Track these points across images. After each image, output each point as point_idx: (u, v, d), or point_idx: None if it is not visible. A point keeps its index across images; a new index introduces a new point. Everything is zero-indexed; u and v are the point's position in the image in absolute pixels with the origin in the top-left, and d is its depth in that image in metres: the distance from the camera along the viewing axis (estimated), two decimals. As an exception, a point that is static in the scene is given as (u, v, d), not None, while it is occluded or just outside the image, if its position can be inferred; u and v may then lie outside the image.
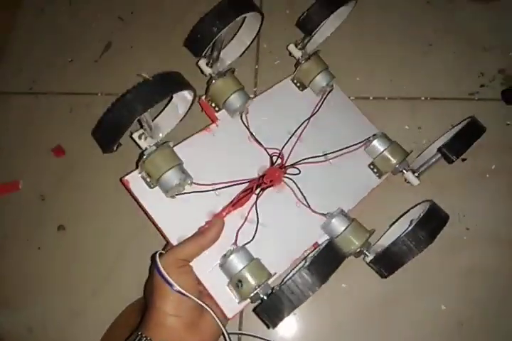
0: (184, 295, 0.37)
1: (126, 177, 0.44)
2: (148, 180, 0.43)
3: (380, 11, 0.68)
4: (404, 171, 0.54)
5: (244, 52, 0.56)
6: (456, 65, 0.65)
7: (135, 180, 0.44)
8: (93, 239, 0.56)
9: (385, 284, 0.49)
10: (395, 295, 0.53)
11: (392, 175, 0.55)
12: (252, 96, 0.54)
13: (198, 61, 0.51)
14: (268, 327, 0.38)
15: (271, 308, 0.36)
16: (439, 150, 0.50)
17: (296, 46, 0.56)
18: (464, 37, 0.66)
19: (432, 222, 0.43)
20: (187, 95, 0.45)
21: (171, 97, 0.46)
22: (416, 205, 0.50)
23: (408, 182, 0.54)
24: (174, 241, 0.43)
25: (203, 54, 0.47)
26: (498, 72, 0.64)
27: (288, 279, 0.37)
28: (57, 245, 0.57)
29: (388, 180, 0.55)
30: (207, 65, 0.51)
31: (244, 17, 0.48)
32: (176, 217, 0.44)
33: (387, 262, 0.43)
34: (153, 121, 0.46)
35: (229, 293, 0.42)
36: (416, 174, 0.54)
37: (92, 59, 0.66)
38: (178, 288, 0.37)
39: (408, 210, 0.51)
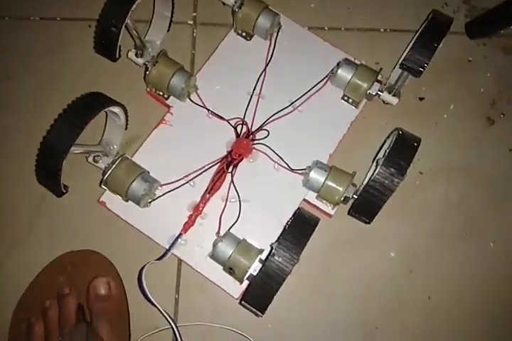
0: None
1: (102, 199, 0.47)
2: (118, 196, 0.45)
3: None
4: (379, 93, 0.49)
5: (169, 26, 0.53)
6: None
7: (110, 198, 0.47)
8: (7, 190, 0.51)
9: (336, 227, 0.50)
10: (345, 244, 0.51)
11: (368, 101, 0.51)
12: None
13: (127, 55, 0.50)
14: (257, 315, 0.39)
15: (257, 295, 0.38)
16: (401, 66, 0.44)
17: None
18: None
19: (402, 152, 0.40)
20: (113, 109, 0.44)
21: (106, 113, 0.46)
22: (389, 135, 0.46)
23: (387, 104, 0.50)
24: (165, 245, 0.46)
25: (117, 55, 0.46)
26: (463, 3, 0.58)
27: (266, 261, 0.38)
28: None
29: (363, 113, 0.52)
30: (136, 55, 0.50)
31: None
32: (159, 221, 0.47)
33: (365, 209, 0.41)
34: (100, 142, 0.47)
35: (228, 276, 0.44)
36: (392, 94, 0.49)
37: None
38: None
39: (384, 141, 0.47)
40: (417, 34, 0.45)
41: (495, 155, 0.53)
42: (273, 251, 0.37)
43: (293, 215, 0.40)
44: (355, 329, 0.49)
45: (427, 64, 0.43)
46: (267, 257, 0.37)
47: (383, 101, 0.50)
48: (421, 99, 0.55)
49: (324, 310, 0.49)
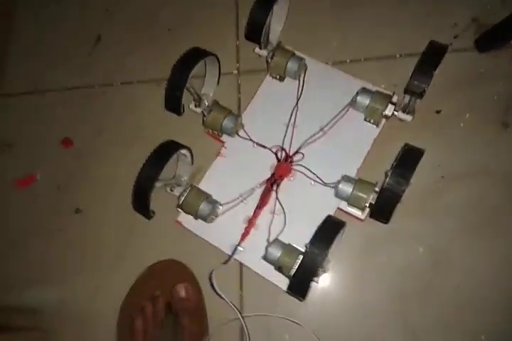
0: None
1: (178, 219, 0.60)
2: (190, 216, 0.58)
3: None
4: (395, 113, 0.58)
5: (218, 80, 0.66)
6: (429, 19, 0.65)
7: (184, 218, 0.60)
8: (107, 217, 0.65)
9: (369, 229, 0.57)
10: (378, 243, 0.58)
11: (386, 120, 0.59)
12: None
13: (189, 106, 0.63)
14: (300, 300, 0.49)
15: (297, 284, 0.48)
16: (405, 91, 0.53)
17: (261, 48, 0.64)
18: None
19: (405, 164, 0.48)
20: (182, 151, 0.58)
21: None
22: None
23: (403, 121, 0.58)
24: (228, 252, 0.57)
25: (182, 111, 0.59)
26: (472, 21, 0.64)
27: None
28: (76, 226, 0.66)
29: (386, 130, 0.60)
30: (195, 106, 0.63)
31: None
32: (222, 234, 0.58)
33: (381, 212, 0.50)
34: (174, 176, 0.61)
35: (279, 273, 0.54)
36: (406, 112, 0.57)
37: (85, 53, 0.74)
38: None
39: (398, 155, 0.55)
40: (416, 63, 0.54)
41: (511, 155, 0.58)
42: (306, 249, 0.47)
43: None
44: (391, 317, 0.56)
45: (427, 88, 0.51)
46: (303, 254, 0.47)
47: (400, 119, 0.59)
48: (438, 111, 0.62)
49: (362, 300, 0.57)
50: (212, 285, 0.54)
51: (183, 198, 0.57)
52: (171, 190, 0.59)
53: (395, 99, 0.58)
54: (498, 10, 0.63)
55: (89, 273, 0.64)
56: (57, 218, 0.68)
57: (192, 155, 0.60)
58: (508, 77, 0.61)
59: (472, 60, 0.63)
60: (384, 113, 0.57)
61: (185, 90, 0.57)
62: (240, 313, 0.54)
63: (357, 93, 0.59)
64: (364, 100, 0.58)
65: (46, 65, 0.77)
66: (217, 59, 0.61)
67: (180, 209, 0.58)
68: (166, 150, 0.53)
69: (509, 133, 0.59)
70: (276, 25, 0.66)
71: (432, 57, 0.53)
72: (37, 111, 0.74)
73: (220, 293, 0.53)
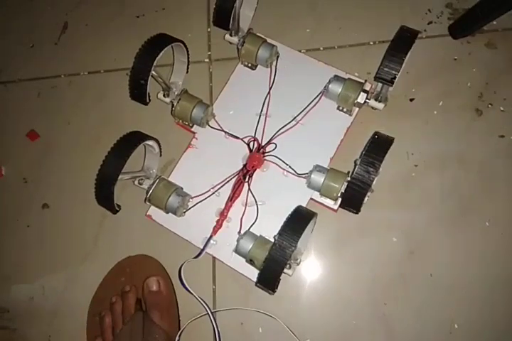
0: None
1: (148, 213, 0.58)
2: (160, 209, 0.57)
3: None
4: (367, 101, 0.57)
5: (188, 68, 0.64)
6: (404, 5, 0.64)
7: (154, 212, 0.58)
8: (75, 212, 0.63)
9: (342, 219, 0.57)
10: (352, 233, 0.58)
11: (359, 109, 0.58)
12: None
13: (157, 96, 0.61)
14: (270, 293, 0.48)
15: (266, 277, 0.47)
16: (375, 78, 0.51)
17: (231, 35, 0.62)
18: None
19: (375, 152, 0.47)
20: (148, 142, 0.56)
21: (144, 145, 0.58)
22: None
23: (376, 109, 0.57)
24: (200, 245, 0.56)
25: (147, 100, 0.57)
26: (446, 7, 0.63)
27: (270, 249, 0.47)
28: (43, 221, 0.64)
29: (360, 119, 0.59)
30: (164, 96, 0.61)
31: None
32: (193, 227, 0.57)
33: (351, 202, 0.49)
34: (142, 168, 0.59)
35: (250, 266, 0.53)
36: (378, 100, 0.56)
37: (52, 42, 0.72)
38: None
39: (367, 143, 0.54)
40: (386, 49, 0.52)
41: (485, 142, 0.58)
42: (275, 241, 0.46)
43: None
44: (365, 306, 0.56)
45: (397, 75, 0.50)
46: (271, 246, 0.46)
47: (372, 108, 0.58)
48: (411, 99, 0.61)
49: (337, 291, 0.56)
50: (180, 279, 0.53)
51: (151, 191, 0.55)
52: (140, 184, 0.57)
53: (367, 86, 0.57)
54: (472, -5, 0.62)
55: (58, 270, 0.63)
56: (25, 213, 0.66)
57: (160, 147, 0.59)
58: (481, 64, 0.61)
59: (446, 47, 0.62)
60: (356, 101, 0.56)
61: (152, 79, 0.55)
62: (209, 308, 0.53)
63: (329, 81, 0.57)
64: (336, 88, 0.56)
65: (10, 54, 0.73)
66: (185, 45, 0.59)
67: (149, 203, 0.56)
68: (130, 142, 0.51)
69: (482, 120, 0.59)
70: (247, 11, 0.64)
71: (402, 43, 0.51)
72: (0, 103, 0.72)
73: (188, 287, 0.53)
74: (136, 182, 0.58)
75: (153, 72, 0.54)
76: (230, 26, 0.59)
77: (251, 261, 0.51)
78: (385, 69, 0.51)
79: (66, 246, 0.63)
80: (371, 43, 0.64)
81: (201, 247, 0.56)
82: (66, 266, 0.63)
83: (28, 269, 0.64)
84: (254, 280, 0.52)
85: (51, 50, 0.72)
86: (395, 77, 0.51)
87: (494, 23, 0.61)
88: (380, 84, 0.55)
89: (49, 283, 0.62)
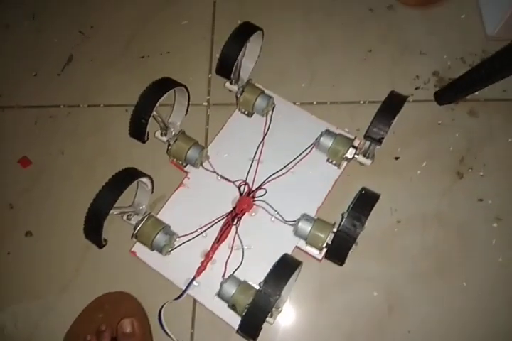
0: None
1: (133, 249, 0.58)
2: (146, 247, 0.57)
3: (325, 18, 0.73)
4: (355, 156, 0.59)
5: (187, 110, 0.66)
6: (394, 70, 0.69)
7: (139, 248, 0.58)
8: (58, 242, 0.63)
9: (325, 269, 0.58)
10: (333, 284, 0.59)
11: (348, 163, 0.61)
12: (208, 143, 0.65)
13: (154, 134, 0.63)
14: None
15: (248, 325, 0.47)
16: (365, 137, 0.54)
17: (231, 83, 0.65)
18: (402, 42, 0.71)
19: (362, 207, 0.49)
20: (142, 179, 0.57)
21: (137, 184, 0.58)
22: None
23: (363, 165, 0.60)
24: (182, 286, 0.56)
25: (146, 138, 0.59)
26: (433, 75, 0.68)
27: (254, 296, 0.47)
28: (25, 249, 0.63)
29: (347, 172, 0.62)
30: (161, 135, 0.63)
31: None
32: (177, 267, 0.57)
33: (336, 254, 0.50)
34: (132, 204, 0.60)
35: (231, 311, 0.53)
36: (366, 156, 0.59)
37: (54, 72, 0.74)
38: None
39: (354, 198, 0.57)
40: (377, 111, 0.56)
41: (464, 205, 0.61)
42: (260, 288, 0.46)
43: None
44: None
45: (385, 135, 0.53)
46: (256, 293, 0.47)
47: (360, 163, 0.60)
48: (396, 158, 0.64)
49: (315, 339, 0.56)
50: (160, 322, 0.52)
51: (138, 227, 0.56)
52: (128, 219, 0.58)
53: (356, 142, 0.60)
54: (458, 66, 0.68)
55: (33, 300, 0.61)
56: (7, 240, 0.65)
57: (153, 184, 0.59)
58: (463, 130, 0.65)
59: (431, 112, 0.66)
60: (345, 155, 0.59)
61: (152, 118, 0.56)
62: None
63: (321, 134, 0.60)
64: (327, 141, 0.59)
65: (13, 79, 0.75)
66: (187, 90, 0.61)
67: (135, 239, 0.56)
68: (125, 178, 0.52)
69: (463, 183, 0.62)
70: (248, 63, 0.67)
71: (391, 106, 0.55)
72: (-4, 127, 0.72)
73: (167, 330, 0.52)
74: (125, 218, 0.58)
75: (154, 112, 0.56)
76: (232, 76, 0.62)
77: (233, 306, 0.51)
78: (374, 129, 0.54)
79: (45, 275, 0.62)
80: (361, 102, 0.68)
81: (183, 288, 0.55)
82: (42, 296, 0.61)
83: (1, 298, 0.62)
84: (234, 326, 0.52)
85: (53, 80, 0.74)
86: (383, 137, 0.54)
87: (476, 93, 0.65)
88: (368, 142, 0.58)
89: (23, 314, 0.61)
